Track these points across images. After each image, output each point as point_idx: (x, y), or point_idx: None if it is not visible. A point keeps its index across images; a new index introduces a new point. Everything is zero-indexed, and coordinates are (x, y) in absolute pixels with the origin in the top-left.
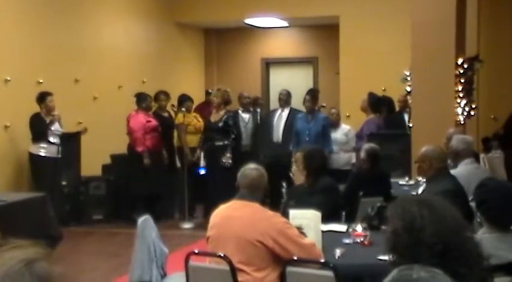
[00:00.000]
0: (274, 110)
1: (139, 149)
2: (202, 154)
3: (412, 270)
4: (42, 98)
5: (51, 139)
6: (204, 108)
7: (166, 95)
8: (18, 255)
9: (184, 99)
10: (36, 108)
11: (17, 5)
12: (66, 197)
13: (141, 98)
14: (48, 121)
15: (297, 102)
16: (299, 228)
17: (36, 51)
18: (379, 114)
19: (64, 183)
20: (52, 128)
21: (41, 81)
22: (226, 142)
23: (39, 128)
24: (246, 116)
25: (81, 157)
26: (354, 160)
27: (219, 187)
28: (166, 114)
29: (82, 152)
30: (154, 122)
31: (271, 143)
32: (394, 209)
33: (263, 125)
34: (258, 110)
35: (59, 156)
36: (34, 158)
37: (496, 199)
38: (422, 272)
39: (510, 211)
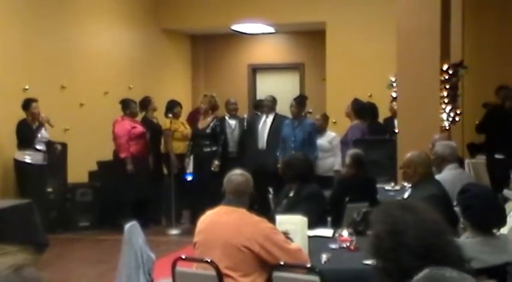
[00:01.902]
0: (259, 116)
1: (123, 155)
2: (191, 160)
3: (444, 270)
4: (27, 104)
5: (38, 146)
6: (196, 115)
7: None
8: (6, 261)
9: (173, 105)
10: (21, 114)
11: (1, 11)
12: (52, 204)
13: (125, 105)
14: (34, 128)
15: (284, 108)
16: (285, 234)
17: (22, 58)
18: (364, 121)
19: (50, 190)
20: (38, 135)
21: (26, 87)
22: (214, 148)
23: (26, 135)
24: (232, 123)
25: (67, 164)
26: (337, 166)
27: (206, 193)
28: (155, 120)
29: (69, 158)
30: (140, 129)
31: (256, 150)
32: (377, 213)
33: (248, 132)
34: (245, 116)
35: (45, 163)
36: (19, 165)
37: (480, 204)
38: (455, 273)
39: (493, 216)
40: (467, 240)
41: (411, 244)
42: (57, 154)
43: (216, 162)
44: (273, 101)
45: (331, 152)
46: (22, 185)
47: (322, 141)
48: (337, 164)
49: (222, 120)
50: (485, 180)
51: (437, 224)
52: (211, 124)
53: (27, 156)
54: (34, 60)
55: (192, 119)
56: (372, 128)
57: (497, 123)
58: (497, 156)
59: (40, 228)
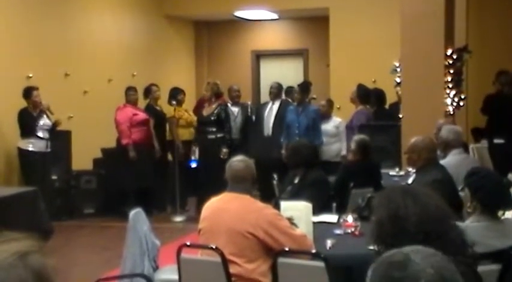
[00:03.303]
0: (265, 103)
1: (124, 141)
2: (197, 147)
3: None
4: (27, 93)
5: (40, 134)
6: (202, 104)
7: (158, 87)
8: (11, 247)
9: (177, 93)
10: (25, 103)
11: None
12: (57, 191)
13: (125, 92)
14: (36, 115)
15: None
16: (290, 220)
17: (25, 46)
18: (369, 106)
19: (55, 177)
20: (40, 123)
21: (30, 75)
22: (218, 135)
23: (27, 123)
24: (235, 110)
25: (72, 151)
26: (344, 152)
27: (211, 180)
28: (159, 108)
29: (73, 146)
30: (142, 115)
31: (261, 137)
32: (380, 199)
33: (255, 119)
34: (249, 103)
35: (48, 150)
36: (23, 153)
37: (491, 184)
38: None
39: (502, 196)
40: (472, 225)
41: (412, 230)
42: (60, 141)
43: (225, 150)
44: (279, 87)
45: (337, 137)
46: (26, 173)
47: (328, 126)
48: (343, 149)
49: (225, 107)
50: (489, 164)
51: (439, 210)
52: (216, 111)
53: (29, 145)
54: (37, 48)
55: (199, 108)
56: (378, 114)
57: (497, 108)
58: (496, 141)
59: (45, 216)
